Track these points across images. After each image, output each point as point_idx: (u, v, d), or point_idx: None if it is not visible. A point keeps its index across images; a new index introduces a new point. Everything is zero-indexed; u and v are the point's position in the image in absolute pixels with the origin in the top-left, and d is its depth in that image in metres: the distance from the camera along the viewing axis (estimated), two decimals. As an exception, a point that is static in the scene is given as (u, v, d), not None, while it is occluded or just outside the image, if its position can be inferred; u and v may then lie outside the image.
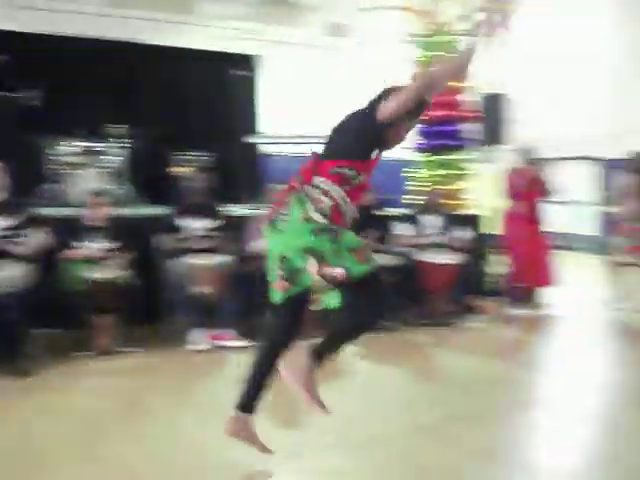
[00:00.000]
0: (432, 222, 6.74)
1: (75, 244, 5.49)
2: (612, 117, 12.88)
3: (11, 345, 4.87)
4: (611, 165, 12.02)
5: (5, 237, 5.10)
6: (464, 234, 6.78)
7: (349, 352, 5.52)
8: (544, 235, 7.36)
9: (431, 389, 4.71)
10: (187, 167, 8.52)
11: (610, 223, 7.75)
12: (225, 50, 10.31)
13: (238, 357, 5.28)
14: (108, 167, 8.27)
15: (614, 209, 7.54)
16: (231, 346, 5.54)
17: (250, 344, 5.39)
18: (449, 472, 3.27)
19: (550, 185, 7.23)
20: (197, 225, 5.92)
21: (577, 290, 8.19)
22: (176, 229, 5.88)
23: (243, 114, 8.63)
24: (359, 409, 4.20)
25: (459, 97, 8.36)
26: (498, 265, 7.88)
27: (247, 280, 5.67)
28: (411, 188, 8.41)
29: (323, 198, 2.87)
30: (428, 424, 3.95)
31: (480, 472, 3.27)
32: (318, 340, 3.03)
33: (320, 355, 3.00)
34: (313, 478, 3.26)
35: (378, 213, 6.98)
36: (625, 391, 4.68)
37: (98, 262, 5.45)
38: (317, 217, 2.86)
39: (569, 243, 12.41)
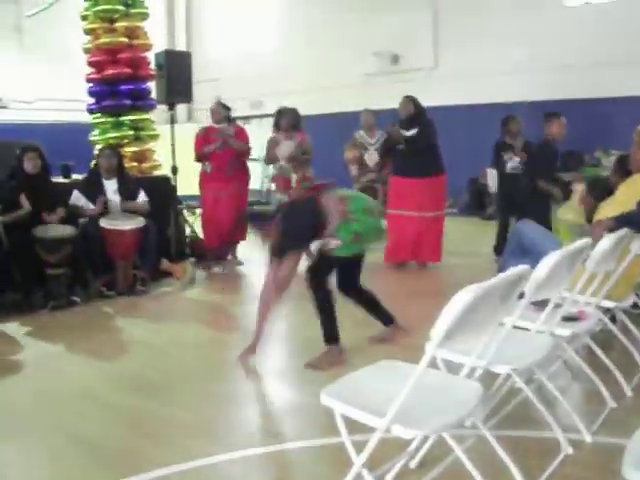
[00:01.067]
0: (112, 187, 6.37)
1: None
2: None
3: None
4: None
5: None
6: (145, 197, 6.49)
7: (27, 335, 5.13)
8: (240, 193, 7.42)
9: (109, 362, 4.48)
10: None
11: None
12: None
13: None
14: None
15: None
16: None
17: None
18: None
19: (245, 141, 7.32)
20: None
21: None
22: None
23: None
24: (31, 395, 3.85)
25: (134, 55, 7.99)
26: (191, 226, 7.83)
27: None
28: (95, 152, 7.93)
29: None
30: (104, 399, 3.74)
31: (165, 445, 3.12)
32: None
33: None
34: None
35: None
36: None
37: None
38: None
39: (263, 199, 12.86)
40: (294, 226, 4.10)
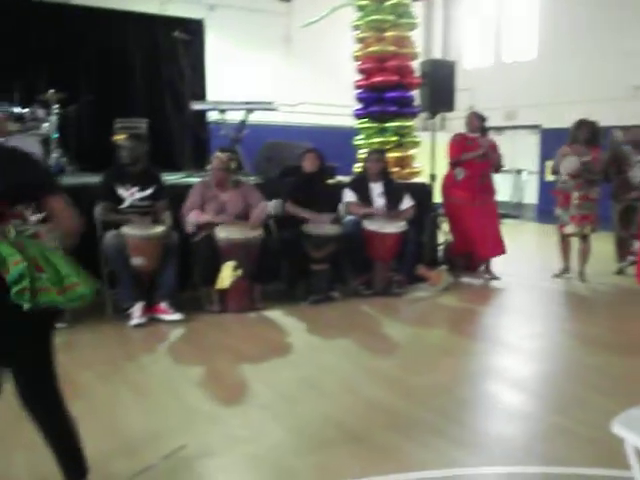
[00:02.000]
0: (378, 190, 6.59)
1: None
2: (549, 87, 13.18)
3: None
4: (551, 134, 12.25)
5: None
6: (410, 202, 6.64)
7: (291, 324, 5.50)
8: (492, 204, 7.35)
9: (370, 360, 4.61)
10: (125, 134, 8.21)
11: (550, 192, 7.81)
12: (168, 13, 10.05)
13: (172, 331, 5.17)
14: (43, 134, 7.90)
15: (552, 178, 7.59)
16: (167, 319, 5.37)
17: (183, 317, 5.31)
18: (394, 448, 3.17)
19: (500, 154, 7.23)
20: (134, 194, 5.68)
21: (523, 259, 8.23)
22: (113, 198, 5.64)
23: (188, 79, 8.40)
24: (296, 382, 4.08)
25: (401, 63, 8.19)
26: (445, 234, 7.87)
27: (184, 251, 5.57)
28: (359, 156, 8.26)
29: None
30: (365, 395, 3.85)
31: (423, 448, 3.17)
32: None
33: None
34: (255, 459, 3.10)
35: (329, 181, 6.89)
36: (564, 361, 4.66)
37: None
38: None
39: (513, 211, 12.59)
40: None
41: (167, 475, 2.89)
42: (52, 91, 7.98)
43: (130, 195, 5.65)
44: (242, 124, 8.01)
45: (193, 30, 9.31)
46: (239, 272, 5.46)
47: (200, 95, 9.48)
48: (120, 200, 5.64)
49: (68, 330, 5.07)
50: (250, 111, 8.08)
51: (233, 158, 6.06)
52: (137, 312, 5.28)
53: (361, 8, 8.44)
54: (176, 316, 5.38)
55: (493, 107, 12.70)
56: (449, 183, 7.39)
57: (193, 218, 5.73)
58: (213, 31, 10.88)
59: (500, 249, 7.28)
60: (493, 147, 7.30)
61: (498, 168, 7.34)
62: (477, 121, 7.31)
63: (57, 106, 8.01)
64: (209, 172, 6.16)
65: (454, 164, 7.30)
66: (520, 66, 15.15)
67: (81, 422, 3.35)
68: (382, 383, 4.08)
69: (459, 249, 7.41)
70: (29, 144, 7.39)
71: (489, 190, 7.33)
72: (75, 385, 3.96)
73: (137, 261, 5.33)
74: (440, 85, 7.77)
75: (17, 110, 7.85)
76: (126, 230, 5.39)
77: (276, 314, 5.74)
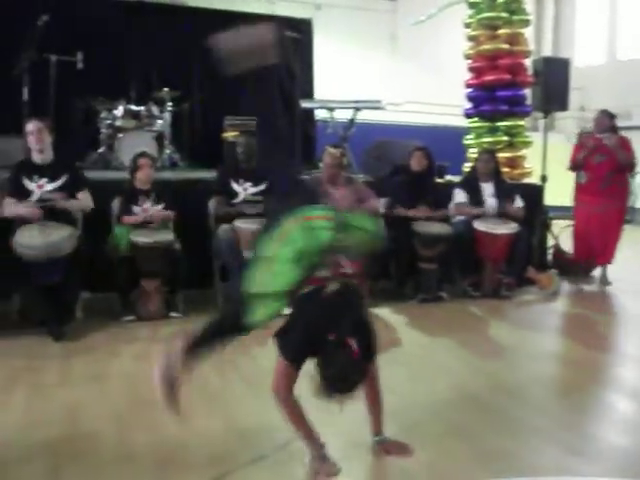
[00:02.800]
0: (489, 191, 6.47)
1: (127, 209, 5.43)
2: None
3: (59, 309, 4.84)
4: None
5: (51, 200, 5.06)
6: (521, 203, 6.49)
7: (400, 321, 5.47)
8: (616, 209, 6.97)
9: (479, 361, 4.53)
10: (237, 131, 8.41)
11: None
12: (277, 13, 10.19)
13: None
14: (157, 131, 8.19)
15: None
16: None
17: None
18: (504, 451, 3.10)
19: (627, 153, 6.87)
20: (247, 189, 5.81)
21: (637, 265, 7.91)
22: (227, 193, 5.79)
23: (298, 78, 8.54)
24: (406, 380, 4.05)
25: (514, 61, 8.02)
26: (556, 237, 7.64)
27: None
28: (469, 155, 8.15)
29: None
30: (475, 395, 3.79)
31: (534, 453, 3.08)
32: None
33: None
34: (367, 454, 3.08)
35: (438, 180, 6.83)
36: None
37: (146, 226, 5.38)
38: None
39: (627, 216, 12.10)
40: None
41: (281, 465, 2.92)
42: (166, 89, 8.25)
43: (243, 190, 5.77)
44: (350, 123, 8.04)
45: (301, 29, 9.42)
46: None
47: (308, 93, 9.58)
48: (234, 195, 5.76)
49: (182, 319, 5.25)
50: (358, 110, 8.10)
51: (344, 154, 6.09)
52: (249, 305, 5.34)
53: (473, 5, 8.33)
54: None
55: (605, 106, 12.22)
56: (576, 187, 7.09)
57: None
58: (320, 30, 10.94)
59: (610, 256, 6.95)
60: (624, 144, 6.92)
61: (628, 167, 6.94)
62: (607, 120, 6.99)
63: (170, 104, 8.27)
64: (319, 169, 6.21)
65: (574, 168, 7.03)
66: (636, 64, 14.52)
67: (196, 409, 3.49)
68: (491, 385, 4.00)
69: (578, 254, 7.12)
70: (144, 140, 7.68)
71: (614, 194, 6.88)
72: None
73: (249, 255, 5.40)
74: (553, 83, 7.54)
75: (133, 108, 8.15)
76: (239, 224, 5.49)
77: (384, 312, 5.72)
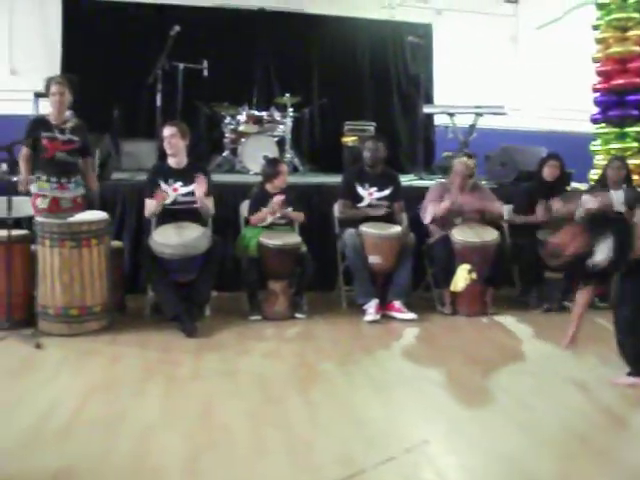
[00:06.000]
0: (619, 199, 6.23)
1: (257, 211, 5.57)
2: None
3: (191, 306, 5.05)
4: None
5: (186, 202, 5.28)
6: (654, 212, 6.21)
7: (524, 331, 5.37)
8: None
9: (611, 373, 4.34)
10: (359, 136, 8.50)
11: None
12: (397, 19, 10.22)
13: (406, 329, 5.24)
14: (279, 136, 8.38)
15: None
16: (400, 318, 5.45)
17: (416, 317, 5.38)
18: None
19: None
20: (372, 194, 5.88)
21: None
22: (352, 197, 5.87)
23: (418, 84, 8.55)
24: (535, 392, 3.97)
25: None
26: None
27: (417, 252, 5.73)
28: (596, 163, 7.88)
29: None
30: (609, 409, 3.67)
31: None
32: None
33: None
34: (495, 463, 3.05)
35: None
36: None
37: (273, 228, 5.52)
38: None
39: None
40: None
41: (409, 468, 2.93)
42: (287, 95, 8.43)
43: (369, 195, 5.83)
44: (471, 128, 7.95)
45: (422, 34, 9.41)
46: (474, 275, 5.43)
47: (429, 98, 9.56)
48: (359, 199, 5.84)
49: (306, 321, 5.37)
50: (479, 115, 8.00)
51: (476, 164, 6.09)
52: (372, 309, 5.40)
53: (602, 7, 8.04)
54: (410, 315, 5.44)
55: None
56: None
57: (431, 209, 5.81)
58: (440, 35, 10.89)
59: None
60: None
61: None
62: None
63: (291, 109, 8.44)
64: (447, 175, 6.22)
65: None
66: None
67: (322, 407, 3.55)
68: (627, 398, 3.86)
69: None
70: (266, 145, 7.88)
71: None
72: (315, 372, 4.19)
73: (374, 259, 5.48)
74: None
75: (256, 113, 8.37)
76: (365, 229, 5.56)
77: (508, 320, 5.64)
